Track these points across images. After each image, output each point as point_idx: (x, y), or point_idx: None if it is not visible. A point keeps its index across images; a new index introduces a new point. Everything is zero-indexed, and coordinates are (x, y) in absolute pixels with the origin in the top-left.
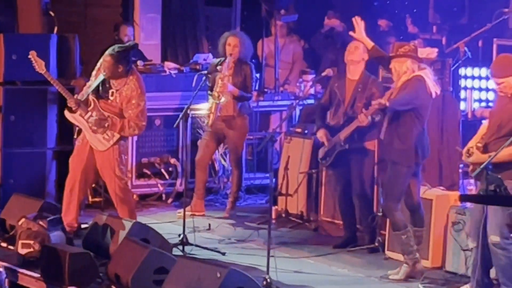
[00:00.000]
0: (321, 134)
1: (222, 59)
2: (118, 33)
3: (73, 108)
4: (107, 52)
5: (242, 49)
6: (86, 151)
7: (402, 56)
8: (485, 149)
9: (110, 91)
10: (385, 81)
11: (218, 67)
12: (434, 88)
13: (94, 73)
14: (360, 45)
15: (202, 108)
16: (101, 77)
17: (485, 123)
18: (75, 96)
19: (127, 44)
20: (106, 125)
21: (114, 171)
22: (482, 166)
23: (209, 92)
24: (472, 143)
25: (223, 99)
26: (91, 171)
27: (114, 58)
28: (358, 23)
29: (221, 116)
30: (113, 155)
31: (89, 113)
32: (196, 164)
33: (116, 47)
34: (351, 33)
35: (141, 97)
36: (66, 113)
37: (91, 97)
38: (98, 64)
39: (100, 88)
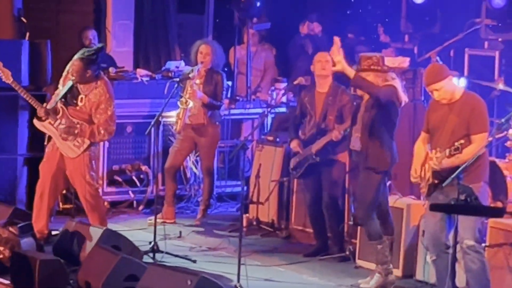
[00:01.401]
0: (294, 145)
1: (195, 67)
2: (81, 38)
3: (43, 118)
4: (76, 57)
5: (213, 58)
6: (56, 157)
7: (364, 70)
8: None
9: (79, 97)
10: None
11: (191, 75)
12: (403, 97)
13: (61, 80)
14: (329, 58)
15: (174, 116)
16: (69, 83)
17: (420, 144)
18: (44, 104)
19: (95, 47)
20: (75, 132)
21: (85, 177)
22: (453, 176)
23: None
24: (417, 164)
25: (190, 104)
26: (61, 178)
27: (84, 62)
28: None
29: (192, 124)
30: (84, 161)
31: (58, 121)
32: (166, 172)
33: (85, 51)
34: None
35: (109, 102)
36: (35, 122)
37: (59, 105)
38: (65, 72)
39: (69, 94)
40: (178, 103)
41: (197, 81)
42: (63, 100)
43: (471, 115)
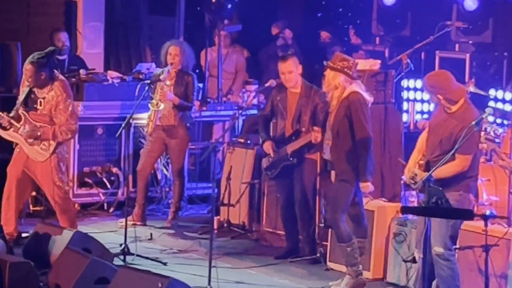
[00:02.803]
0: (267, 147)
1: (165, 69)
2: (53, 40)
3: (7, 127)
4: (27, 61)
5: (183, 59)
6: (23, 160)
7: (337, 70)
8: (427, 167)
9: (38, 101)
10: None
11: (161, 77)
12: (368, 98)
13: (21, 87)
14: (293, 68)
15: (145, 118)
16: (27, 89)
17: (422, 137)
18: (5, 113)
19: (46, 50)
20: (38, 134)
21: (53, 180)
22: (423, 179)
23: (149, 100)
24: (412, 161)
25: (161, 107)
26: (28, 180)
27: (35, 65)
28: None
29: (163, 126)
30: (52, 164)
31: (22, 127)
32: (137, 174)
33: (35, 55)
34: None
35: (67, 100)
36: (1, 132)
37: (21, 111)
38: (23, 78)
39: (28, 100)
40: (149, 105)
41: (168, 83)
42: (24, 106)
43: (459, 133)
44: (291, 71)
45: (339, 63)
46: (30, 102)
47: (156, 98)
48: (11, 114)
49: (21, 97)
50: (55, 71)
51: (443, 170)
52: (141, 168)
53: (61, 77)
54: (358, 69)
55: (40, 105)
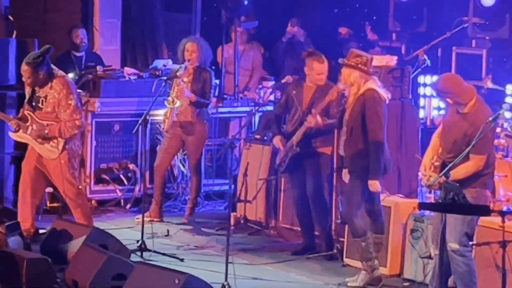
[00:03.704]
0: (276, 141)
1: (182, 65)
2: (71, 37)
3: (15, 128)
4: (23, 62)
5: (200, 55)
6: (34, 156)
7: (351, 67)
8: (442, 168)
9: (40, 100)
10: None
11: (178, 73)
12: (385, 95)
13: (25, 87)
14: (325, 66)
15: (162, 114)
16: (30, 89)
17: (435, 135)
18: (12, 116)
19: (41, 49)
20: (45, 132)
21: (65, 176)
22: (440, 175)
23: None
24: (427, 160)
25: (178, 104)
26: (41, 176)
27: (31, 66)
28: None
29: (180, 122)
30: (63, 161)
31: (30, 128)
32: (154, 170)
33: (31, 55)
34: None
35: (69, 96)
36: (11, 135)
37: (26, 112)
38: (23, 78)
39: (33, 100)
40: (165, 102)
41: (185, 79)
42: (29, 105)
43: (473, 134)
44: (322, 73)
45: (353, 59)
46: (34, 102)
47: (172, 95)
48: (19, 116)
49: (27, 98)
50: (54, 68)
51: (459, 172)
52: (158, 164)
53: (60, 73)
54: (375, 65)
55: (43, 104)
